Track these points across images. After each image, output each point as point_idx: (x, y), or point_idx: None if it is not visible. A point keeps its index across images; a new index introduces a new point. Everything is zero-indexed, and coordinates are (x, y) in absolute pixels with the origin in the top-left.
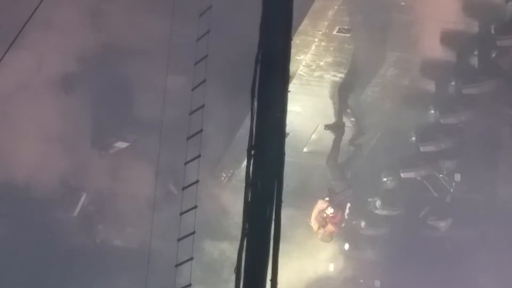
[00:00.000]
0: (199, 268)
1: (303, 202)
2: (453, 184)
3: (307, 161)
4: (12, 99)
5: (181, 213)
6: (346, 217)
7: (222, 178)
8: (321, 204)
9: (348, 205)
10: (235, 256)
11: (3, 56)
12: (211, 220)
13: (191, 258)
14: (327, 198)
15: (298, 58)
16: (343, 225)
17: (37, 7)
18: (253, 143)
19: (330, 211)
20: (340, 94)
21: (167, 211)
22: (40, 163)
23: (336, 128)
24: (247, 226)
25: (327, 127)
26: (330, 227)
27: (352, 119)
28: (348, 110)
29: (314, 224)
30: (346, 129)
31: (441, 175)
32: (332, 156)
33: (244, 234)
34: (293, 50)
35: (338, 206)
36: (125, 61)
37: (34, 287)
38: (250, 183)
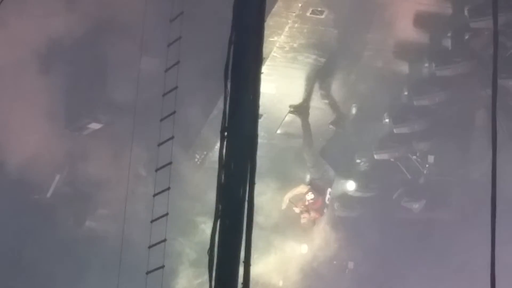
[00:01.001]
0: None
1: (276, 183)
2: (427, 165)
3: (280, 143)
4: None
5: (154, 195)
6: (327, 202)
7: (196, 160)
8: (302, 188)
9: (329, 190)
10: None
11: None
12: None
13: (164, 240)
14: (308, 186)
15: (272, 39)
16: (325, 210)
17: None
18: (226, 125)
19: (310, 196)
20: (314, 76)
21: (142, 192)
22: (14, 143)
23: (301, 110)
24: (220, 208)
25: (292, 108)
26: (313, 214)
27: (325, 101)
28: (321, 92)
29: (284, 203)
30: (318, 111)
31: (414, 157)
32: (306, 141)
33: (217, 216)
34: (266, 32)
35: (319, 192)
36: (99, 42)
37: (6, 267)
38: (223, 165)
